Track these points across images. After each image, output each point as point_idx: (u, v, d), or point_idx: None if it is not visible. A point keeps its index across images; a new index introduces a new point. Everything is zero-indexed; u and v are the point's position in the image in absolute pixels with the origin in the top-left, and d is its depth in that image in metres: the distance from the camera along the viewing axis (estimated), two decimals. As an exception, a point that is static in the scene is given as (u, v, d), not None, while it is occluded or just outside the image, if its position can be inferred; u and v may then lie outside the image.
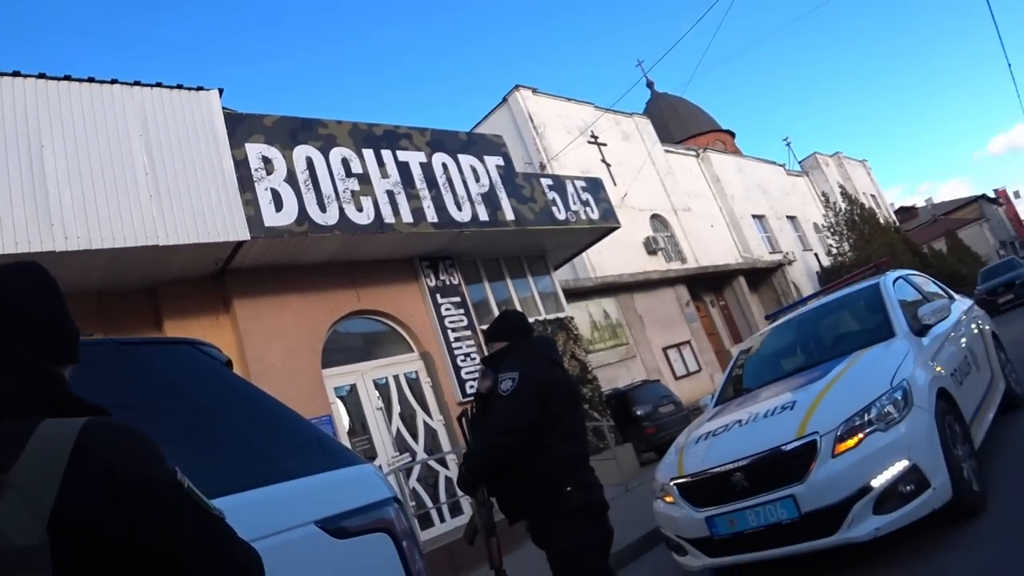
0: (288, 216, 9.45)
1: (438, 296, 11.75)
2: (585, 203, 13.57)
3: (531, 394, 3.31)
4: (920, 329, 5.35)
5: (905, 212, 64.82)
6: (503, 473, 3.37)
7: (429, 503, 10.60)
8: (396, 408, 10.97)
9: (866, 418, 4.19)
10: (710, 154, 34.99)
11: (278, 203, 9.42)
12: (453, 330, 11.64)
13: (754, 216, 35.55)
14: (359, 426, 10.54)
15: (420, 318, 11.55)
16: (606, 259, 23.62)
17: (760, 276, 30.83)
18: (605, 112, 27.77)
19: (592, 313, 20.89)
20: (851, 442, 4.12)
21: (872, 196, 48.86)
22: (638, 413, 14.83)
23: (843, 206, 36.73)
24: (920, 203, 73.84)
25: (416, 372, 11.41)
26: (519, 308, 13.35)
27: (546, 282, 14.20)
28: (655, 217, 28.22)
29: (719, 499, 4.48)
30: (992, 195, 68.45)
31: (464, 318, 11.89)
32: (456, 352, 11.51)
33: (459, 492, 9.95)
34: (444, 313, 11.68)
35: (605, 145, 27.20)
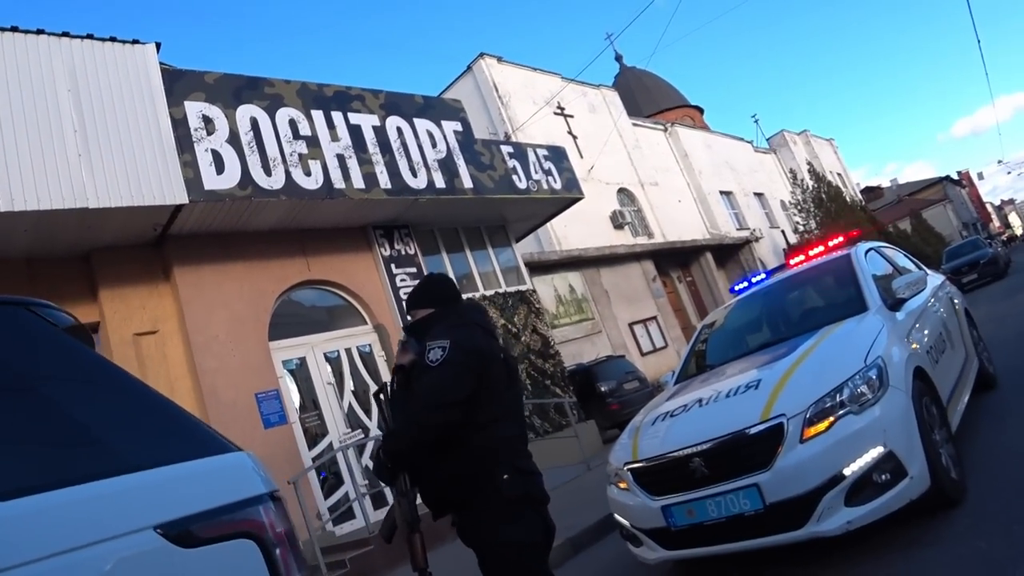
0: (230, 179, 8.90)
1: (393, 266, 11.26)
2: (547, 172, 13.11)
3: (464, 365, 2.88)
4: (894, 303, 4.95)
5: (871, 192, 65.20)
6: (428, 458, 2.92)
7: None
8: (348, 383, 10.50)
9: (837, 399, 3.80)
10: (678, 129, 34.62)
11: (219, 165, 8.86)
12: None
13: (722, 192, 35.33)
14: (310, 401, 10.07)
15: (374, 289, 11.06)
16: (572, 232, 23.20)
17: (727, 252, 30.69)
18: (572, 83, 27.23)
19: (557, 287, 20.52)
20: (821, 426, 3.74)
21: (839, 175, 49.00)
22: (602, 389, 14.55)
23: (810, 184, 36.79)
24: (886, 183, 74.40)
25: (370, 345, 10.94)
26: (479, 280, 12.92)
27: (507, 254, 13.76)
28: (622, 191, 27.81)
29: (677, 487, 4.08)
30: (956, 176, 69.20)
31: (420, 290, 11.40)
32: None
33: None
34: (399, 284, 11.19)
35: (572, 117, 26.69)
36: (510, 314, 12.81)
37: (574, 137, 26.25)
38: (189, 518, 1.69)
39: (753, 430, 3.85)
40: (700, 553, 4.09)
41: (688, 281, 27.68)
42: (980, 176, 68.55)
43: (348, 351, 10.66)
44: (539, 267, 19.82)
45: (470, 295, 12.44)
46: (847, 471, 3.64)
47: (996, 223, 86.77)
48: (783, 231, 36.83)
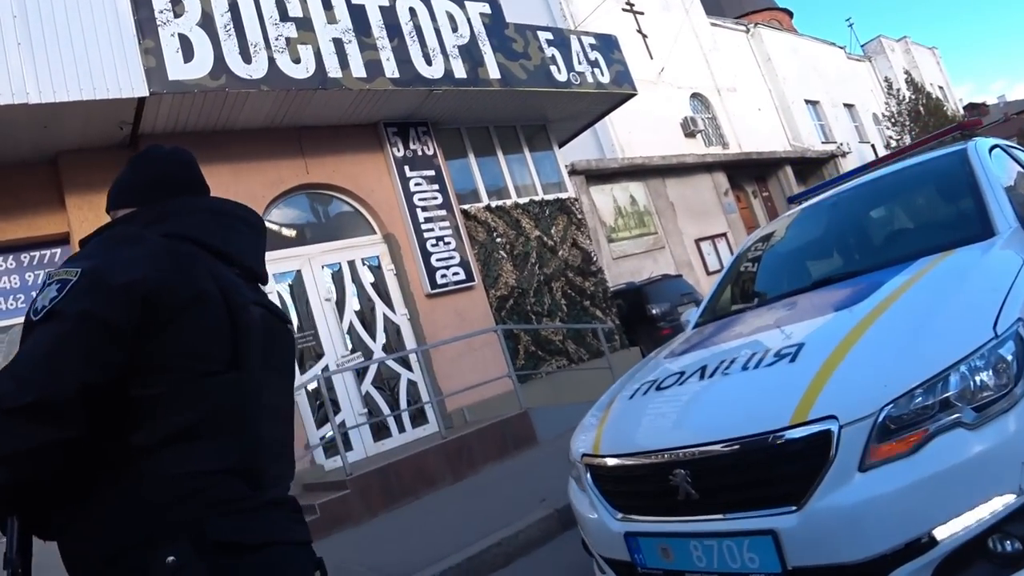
0: (200, 67, 7.60)
1: (407, 168, 9.88)
2: (594, 63, 11.41)
3: (89, 323, 1.33)
4: None
5: (974, 109, 60.18)
6: (56, 509, 1.42)
7: (386, 409, 9.05)
8: (351, 299, 9.30)
9: (938, 396, 2.18)
10: (761, 30, 31.85)
11: (187, 52, 7.56)
12: (424, 209, 9.81)
13: (807, 101, 32.63)
14: (306, 319, 8.92)
15: (384, 194, 9.73)
16: (637, 139, 21.41)
17: (810, 167, 28.30)
18: (645, -23, 25.03)
19: (617, 198, 18.88)
20: (902, 444, 2.17)
21: (940, 88, 45.10)
22: (653, 312, 13.03)
23: (907, 94, 33.86)
24: (992, 100, 69.03)
25: (378, 257, 9.68)
26: (511, 187, 11.44)
27: (548, 158, 12.21)
28: (695, 96, 25.68)
29: (650, 506, 2.69)
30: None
31: (439, 195, 10.03)
32: (427, 235, 9.72)
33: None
34: (414, 189, 9.83)
35: (642, 14, 24.48)
36: (546, 225, 11.36)
37: (643, 36, 24.13)
38: None
39: (778, 438, 2.30)
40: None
41: (764, 196, 25.59)
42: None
43: (352, 264, 9.42)
44: (598, 176, 18.22)
45: (499, 202, 11.03)
46: (942, 532, 2.08)
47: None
48: (873, 146, 33.99)
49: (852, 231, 4.23)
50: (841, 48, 38.76)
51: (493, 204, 10.90)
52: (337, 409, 8.68)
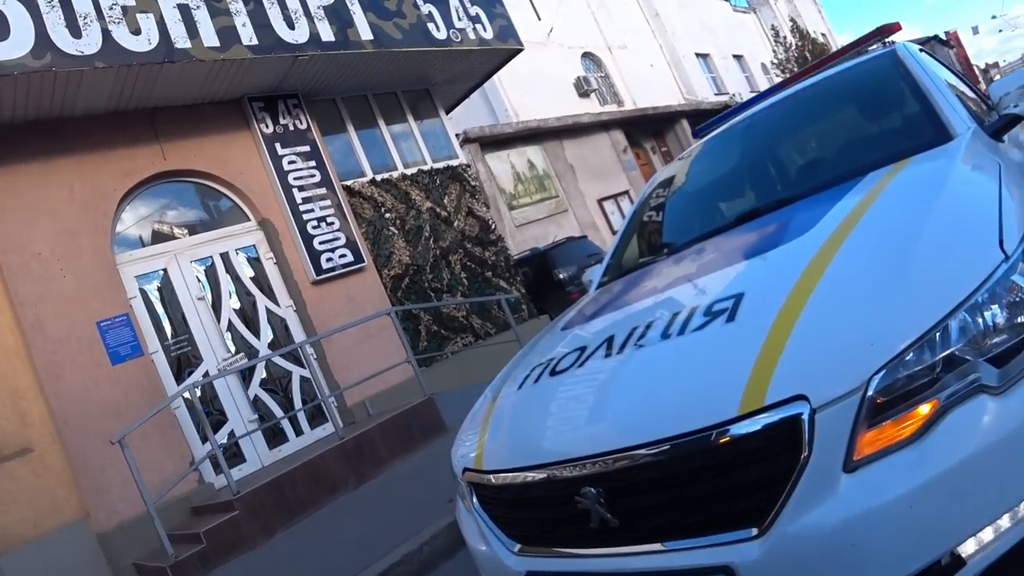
0: (18, 46, 6.55)
1: (278, 146, 8.97)
2: (475, 19, 10.65)
3: None
4: (997, 126, 2.63)
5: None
6: None
7: (279, 412, 8.22)
8: (228, 295, 8.40)
9: (942, 352, 1.56)
10: (648, -14, 31.52)
11: (2, 29, 6.52)
12: (301, 189, 8.94)
13: (698, 55, 32.64)
14: (178, 323, 8.00)
15: (255, 176, 8.82)
16: (532, 103, 20.85)
17: (705, 119, 28.17)
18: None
19: (515, 164, 18.25)
20: (904, 426, 1.55)
21: (823, 35, 45.83)
22: (560, 276, 12.50)
23: (793, 42, 34.18)
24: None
25: (254, 246, 8.78)
26: (396, 157, 10.63)
27: (436, 125, 11.42)
28: (587, 55, 25.23)
29: (556, 536, 2.01)
30: (944, 37, 65.74)
31: (316, 172, 9.16)
32: (307, 217, 8.86)
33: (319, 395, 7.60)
34: (288, 167, 8.94)
35: (527, -26, 23.77)
36: (438, 195, 10.60)
37: (529, -3, 23.50)
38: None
39: (723, 434, 1.64)
40: None
41: (663, 152, 25.34)
42: (975, 30, 65.12)
43: (225, 256, 8.51)
44: (493, 142, 17.56)
45: (385, 175, 10.23)
46: (969, 547, 1.49)
47: (983, 86, 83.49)
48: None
49: (775, 155, 3.55)
50: (727, 1, 38.90)
51: (378, 178, 10.09)
52: (223, 418, 7.84)
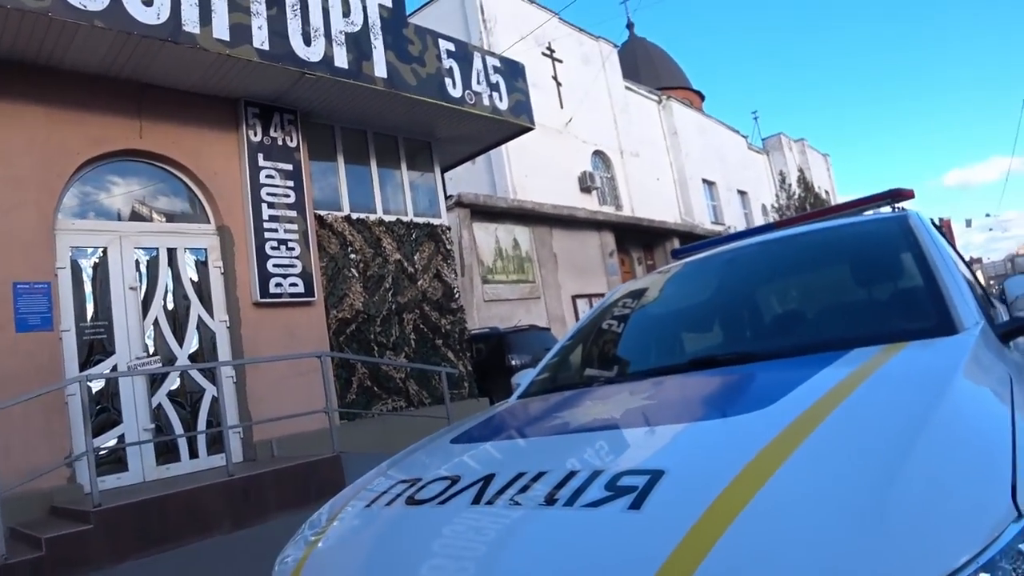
0: (18, -18, 6.23)
1: (260, 156, 8.61)
2: (494, 86, 10.49)
3: None
4: (1009, 329, 2.25)
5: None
6: None
7: (179, 428, 7.65)
8: (162, 293, 7.90)
9: None
10: (673, 104, 32.05)
11: (8, -41, 6.19)
12: (271, 205, 8.55)
13: (704, 181, 33.04)
14: (101, 306, 7.48)
15: (228, 179, 8.42)
16: (532, 184, 20.74)
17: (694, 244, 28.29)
18: (570, 27, 24.66)
19: (500, 239, 17.99)
20: None
21: (827, 192, 46.77)
22: (512, 363, 12.07)
23: (798, 191, 34.81)
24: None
25: (206, 250, 8.31)
26: (378, 200, 10.27)
27: (427, 180, 11.13)
28: (598, 154, 25.32)
29: None
30: (937, 222, 67.66)
31: (292, 193, 8.78)
32: (269, 235, 8.45)
33: (224, 423, 7.03)
34: (264, 180, 8.56)
35: (560, 62, 24.00)
36: (410, 249, 10.23)
37: (558, 84, 23.65)
38: None
39: None
40: None
41: (649, 264, 25.27)
42: (968, 223, 67.11)
43: (173, 252, 8.03)
44: (485, 212, 17.31)
45: (362, 215, 9.85)
46: None
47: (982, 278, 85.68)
48: (760, 234, 34.47)
49: (751, 300, 3.13)
50: (744, 137, 39.66)
51: (355, 216, 9.71)
52: (118, 419, 7.28)
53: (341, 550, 1.82)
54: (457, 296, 10.80)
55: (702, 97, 46.60)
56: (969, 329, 2.07)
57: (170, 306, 7.93)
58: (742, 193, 36.83)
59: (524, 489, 1.59)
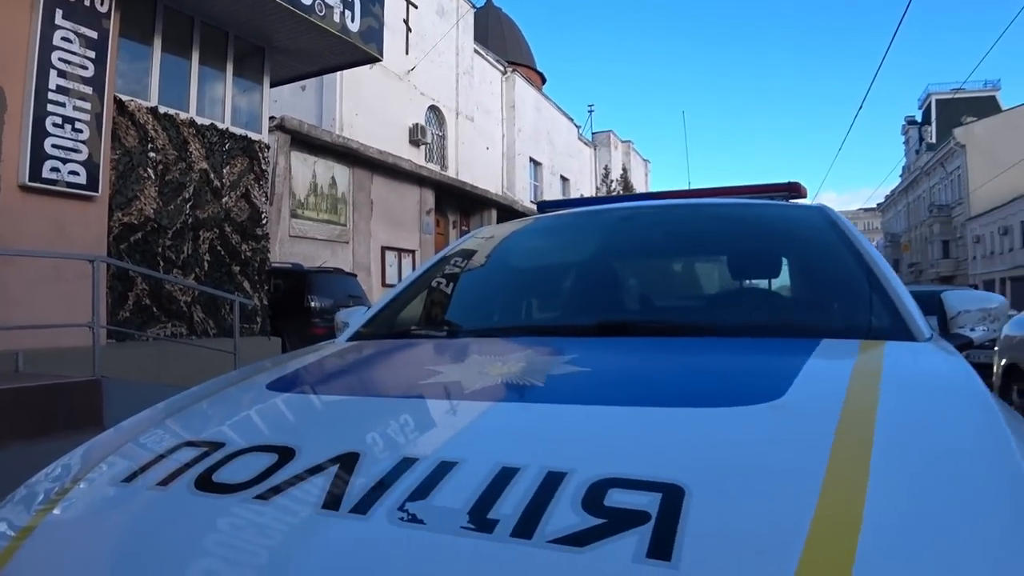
0: None
1: (59, 13, 7.21)
2: (348, 3, 9.51)
3: None
4: (959, 345, 1.95)
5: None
6: None
7: None
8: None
9: None
10: (517, 78, 31.78)
11: None
12: (62, 74, 7.20)
13: (532, 159, 33.10)
14: None
15: (13, 31, 6.94)
16: (360, 125, 19.67)
17: (511, 218, 28.29)
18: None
19: (318, 174, 16.88)
20: None
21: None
22: (312, 304, 11.22)
23: (619, 189, 35.71)
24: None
25: (-36, 114, 6.88)
26: (193, 100, 9.04)
27: (254, 90, 9.99)
28: (434, 109, 24.53)
29: None
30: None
31: (91, 65, 7.45)
32: (52, 108, 7.11)
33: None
34: (59, 43, 7.18)
35: (415, 7, 22.94)
36: (220, 160, 9.09)
37: (408, 28, 22.58)
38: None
39: None
40: None
41: (463, 230, 24.88)
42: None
43: (-77, 102, 6.57)
44: (305, 143, 16.13)
45: (171, 111, 8.61)
46: None
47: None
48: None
49: (667, 264, 2.64)
50: (577, 127, 40.13)
51: (162, 110, 8.47)
52: None
53: (80, 542, 1.06)
54: (264, 222, 9.79)
55: (543, 80, 46.83)
56: (932, 338, 1.72)
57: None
58: (564, 179, 37.26)
59: (421, 493, 0.95)
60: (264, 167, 9.84)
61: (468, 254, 2.87)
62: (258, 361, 2.07)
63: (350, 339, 2.30)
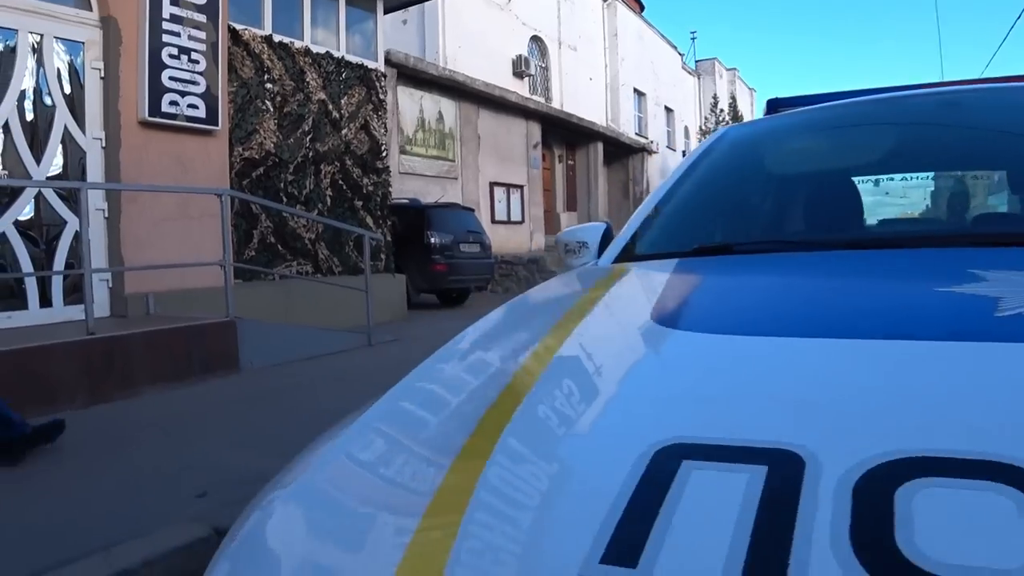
0: None
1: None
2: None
3: None
4: None
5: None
6: None
7: (27, 265, 6.07)
8: (17, 92, 6.15)
9: None
10: (619, 4, 30.39)
11: None
12: (176, 3, 6.85)
13: (636, 90, 31.80)
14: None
15: (122, -41, 6.64)
16: (463, 57, 19.07)
17: (617, 153, 27.40)
18: None
19: (425, 109, 16.44)
20: None
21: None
22: (432, 240, 10.87)
23: (728, 117, 34.25)
24: None
25: (82, 46, 6.56)
26: (307, 26, 8.59)
27: (367, 18, 9.48)
28: (536, 39, 23.68)
29: None
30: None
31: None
32: (168, 40, 6.77)
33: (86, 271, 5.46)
34: (173, -31, 6.81)
35: (513, -69, 21.98)
36: (338, 90, 8.68)
37: (506, -46, 21.71)
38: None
39: None
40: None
41: (569, 164, 24.19)
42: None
43: (40, 42, 6.24)
44: (411, 77, 15.67)
45: (286, 40, 8.19)
46: None
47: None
48: (684, 153, 33.85)
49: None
50: (681, 55, 38.52)
51: (277, 39, 8.06)
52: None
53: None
54: (384, 154, 9.37)
55: (643, 7, 45.12)
56: None
57: (28, 111, 6.21)
58: (669, 110, 35.87)
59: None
60: (382, 96, 9.39)
61: (734, 157, 2.21)
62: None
63: (597, 260, 1.75)
